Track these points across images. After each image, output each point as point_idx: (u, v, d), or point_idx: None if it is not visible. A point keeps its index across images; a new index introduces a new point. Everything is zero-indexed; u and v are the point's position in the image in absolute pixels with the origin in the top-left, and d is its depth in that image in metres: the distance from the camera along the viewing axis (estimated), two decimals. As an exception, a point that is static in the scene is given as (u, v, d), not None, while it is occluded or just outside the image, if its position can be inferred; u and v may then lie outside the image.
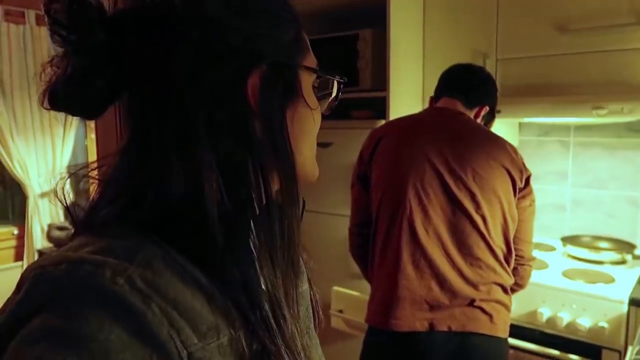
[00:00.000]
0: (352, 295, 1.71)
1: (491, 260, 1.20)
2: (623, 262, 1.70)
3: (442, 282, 1.19)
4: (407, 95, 1.94)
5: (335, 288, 1.74)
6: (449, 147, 1.23)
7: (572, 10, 1.62)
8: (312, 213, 2.18)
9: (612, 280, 1.55)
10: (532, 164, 1.99)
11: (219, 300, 0.42)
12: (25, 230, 2.97)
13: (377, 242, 1.29)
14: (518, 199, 1.26)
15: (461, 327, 1.18)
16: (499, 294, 1.22)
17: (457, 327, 1.18)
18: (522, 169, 1.26)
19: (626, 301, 1.41)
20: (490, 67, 1.72)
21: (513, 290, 1.29)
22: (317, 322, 0.60)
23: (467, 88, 1.36)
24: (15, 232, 2.98)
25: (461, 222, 1.20)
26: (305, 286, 0.58)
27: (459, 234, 1.20)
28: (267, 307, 0.44)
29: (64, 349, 0.34)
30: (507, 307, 1.24)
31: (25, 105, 2.80)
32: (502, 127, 1.80)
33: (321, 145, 2.04)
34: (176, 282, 0.40)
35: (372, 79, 1.96)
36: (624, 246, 1.77)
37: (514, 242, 1.27)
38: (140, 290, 0.37)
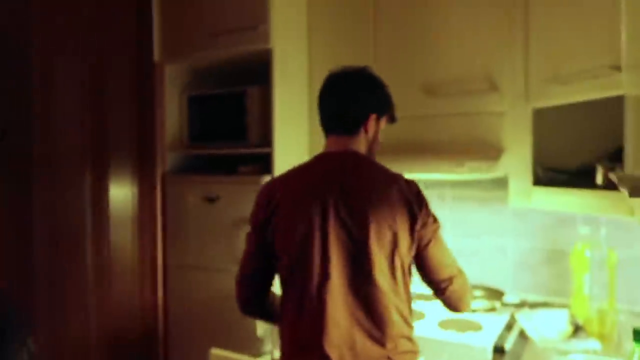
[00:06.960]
0: (235, 359, 1.64)
1: (396, 317, 1.19)
2: (493, 309, 1.79)
3: (352, 346, 1.16)
4: (293, 150, 1.98)
5: (214, 351, 1.65)
6: (342, 203, 1.19)
7: (438, 74, 1.78)
8: (193, 269, 2.07)
9: (480, 328, 1.62)
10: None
11: None
12: None
13: (287, 312, 1.25)
14: (421, 226, 1.21)
15: None
16: (406, 345, 1.21)
17: None
18: (418, 193, 1.23)
19: (489, 349, 1.47)
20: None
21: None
22: None
23: (339, 116, 1.30)
24: None
25: (365, 285, 1.18)
26: None
27: (364, 297, 1.18)
28: None
29: None
30: (415, 353, 1.24)
31: None
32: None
33: (208, 199, 2.02)
34: None
35: (259, 134, 1.99)
36: (494, 294, 1.87)
37: (434, 273, 1.25)
38: None
